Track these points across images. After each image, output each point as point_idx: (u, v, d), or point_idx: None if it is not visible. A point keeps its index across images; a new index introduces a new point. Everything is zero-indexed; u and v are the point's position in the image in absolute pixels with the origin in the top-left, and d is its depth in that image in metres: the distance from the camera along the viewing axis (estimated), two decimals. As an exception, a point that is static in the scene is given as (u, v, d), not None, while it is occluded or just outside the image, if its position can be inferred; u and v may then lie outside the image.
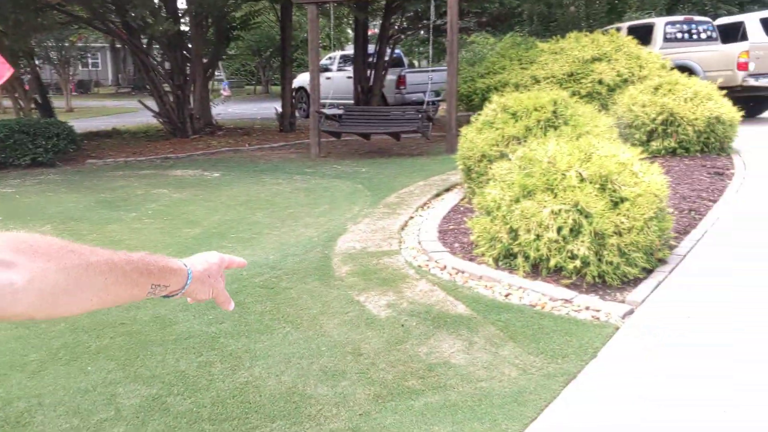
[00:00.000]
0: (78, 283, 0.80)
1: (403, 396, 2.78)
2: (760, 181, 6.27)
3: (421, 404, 2.71)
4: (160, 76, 12.69)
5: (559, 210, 3.97)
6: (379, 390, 2.84)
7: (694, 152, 7.46)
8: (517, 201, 4.20)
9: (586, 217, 3.95)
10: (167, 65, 12.86)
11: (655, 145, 7.50)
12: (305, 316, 3.66)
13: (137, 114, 17.41)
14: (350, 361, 3.11)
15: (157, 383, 2.97)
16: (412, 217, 5.82)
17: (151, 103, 12.96)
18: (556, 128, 5.94)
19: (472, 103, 10.78)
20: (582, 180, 4.12)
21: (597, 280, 3.94)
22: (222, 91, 28.17)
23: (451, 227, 5.33)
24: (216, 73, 28.43)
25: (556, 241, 3.94)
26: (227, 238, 5.40)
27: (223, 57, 20.47)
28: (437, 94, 13.89)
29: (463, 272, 4.21)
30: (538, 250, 3.99)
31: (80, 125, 14.93)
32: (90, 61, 43.45)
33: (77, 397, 2.87)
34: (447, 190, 6.88)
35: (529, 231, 4.02)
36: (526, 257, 4.08)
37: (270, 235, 5.46)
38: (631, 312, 3.54)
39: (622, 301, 3.68)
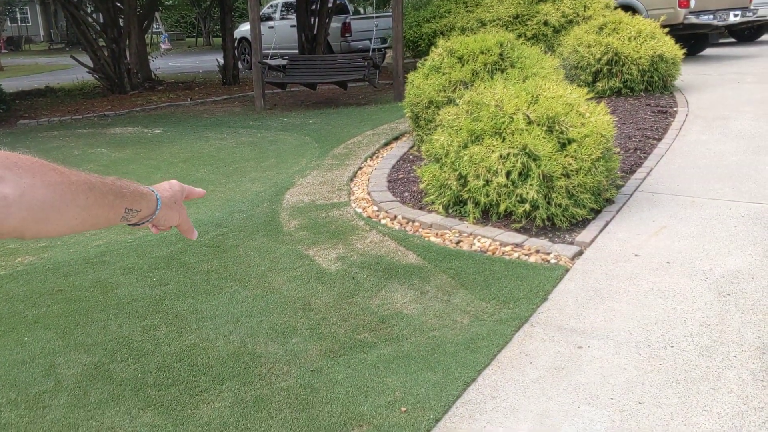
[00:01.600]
0: (63, 199, 0.81)
1: (355, 350, 2.74)
2: (702, 118, 6.36)
3: (373, 357, 2.67)
4: (92, 29, 12.05)
5: (508, 154, 3.93)
6: (330, 345, 2.79)
7: (639, 91, 7.50)
8: (466, 147, 4.14)
9: (535, 160, 3.92)
10: (101, 18, 12.20)
11: (600, 85, 7.52)
12: (253, 273, 3.57)
13: (72, 71, 16.59)
14: (301, 317, 3.05)
15: (98, 350, 2.85)
16: (360, 168, 5.72)
17: (86, 59, 12.35)
18: (503, 71, 5.86)
19: (418, 48, 10.59)
20: (529, 123, 4.08)
21: (546, 223, 3.95)
22: (161, 45, 27.11)
23: (401, 176, 5.25)
24: (154, 26, 27.26)
25: (506, 186, 3.91)
26: (170, 197, 5.20)
27: (160, 8, 19.60)
28: (383, 40, 13.64)
29: (413, 221, 4.16)
30: (487, 196, 3.95)
31: (11, 84, 14.18)
32: (19, 16, 41.19)
33: (14, 369, 2.74)
34: (396, 138, 6.78)
35: (478, 177, 3.97)
36: (476, 203, 4.05)
37: (215, 191, 5.29)
38: (580, 253, 3.56)
39: (571, 243, 3.70)
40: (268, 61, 9.79)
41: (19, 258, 4.03)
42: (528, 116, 4.08)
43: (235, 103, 10.59)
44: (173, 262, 3.78)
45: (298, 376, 2.57)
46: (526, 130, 4.00)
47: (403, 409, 2.32)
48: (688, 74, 8.75)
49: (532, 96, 4.25)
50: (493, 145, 4.00)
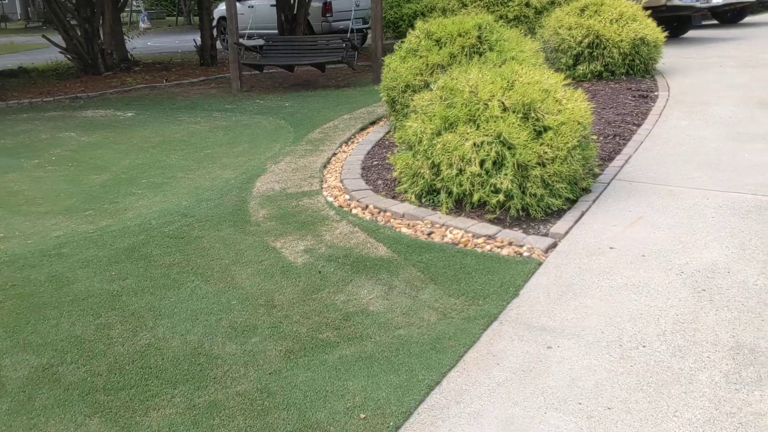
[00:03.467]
0: None
1: (316, 350, 2.62)
2: (682, 103, 6.27)
3: (335, 358, 2.56)
4: (64, 8, 11.70)
5: (482, 142, 3.80)
6: (291, 345, 2.67)
7: (620, 75, 7.39)
8: (439, 134, 4.01)
9: (509, 148, 3.80)
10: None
11: (581, 69, 7.40)
12: (216, 267, 3.43)
13: (48, 50, 16.16)
14: (262, 314, 2.92)
15: (48, 351, 2.72)
16: (335, 154, 5.58)
17: (59, 39, 12.01)
18: (481, 54, 5.73)
19: (399, 29, 10.39)
20: (504, 109, 3.95)
21: (521, 213, 3.84)
22: (141, 24, 26.57)
23: (375, 163, 5.12)
24: (134, 4, 26.69)
25: (479, 175, 3.79)
26: (137, 184, 5.04)
27: (137, -14, 19.13)
28: (364, 20, 13.41)
29: (384, 211, 4.04)
30: (460, 186, 3.83)
31: (-19, 64, 13.79)
32: (-6, -7, 40.30)
33: (-43, 373, 2.60)
34: (373, 123, 6.63)
35: (451, 165, 3.85)
36: (449, 193, 3.93)
37: (184, 179, 5.13)
38: (554, 245, 3.45)
39: (545, 235, 3.59)
40: (244, 42, 9.56)
41: (-27, 250, 3.86)
42: (503, 103, 3.95)
43: (211, 85, 10.35)
44: (134, 255, 3.64)
45: (255, 380, 2.45)
46: (501, 117, 3.87)
47: (362, 415, 2.21)
48: (671, 57, 8.65)
49: (508, 82, 4.12)
50: (467, 133, 3.87)
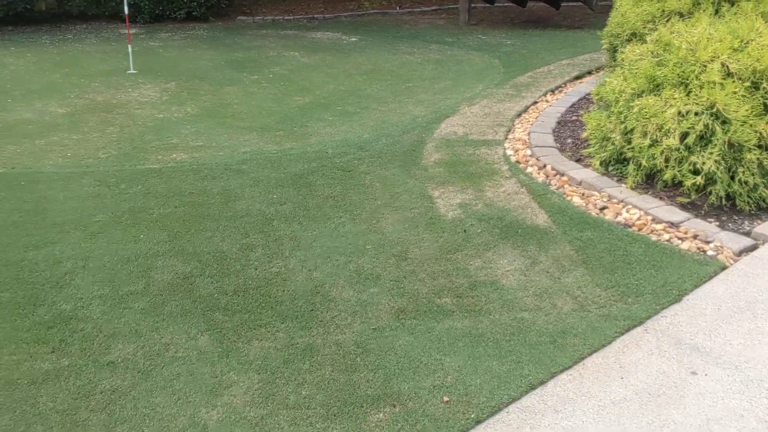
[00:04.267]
0: None
1: (428, 315, 2.47)
2: None
3: (443, 328, 2.39)
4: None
5: (688, 111, 3.21)
6: (405, 304, 2.54)
7: None
8: (640, 95, 3.47)
9: (723, 123, 3.17)
10: None
11: None
12: (368, 207, 3.39)
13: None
14: (391, 265, 2.82)
15: (193, 261, 2.91)
16: (536, 103, 5.17)
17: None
18: (733, 3, 4.82)
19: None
20: (728, 75, 3.28)
21: (724, 202, 3.22)
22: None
23: (573, 118, 4.64)
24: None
25: (677, 150, 3.23)
26: (331, 111, 5.16)
27: None
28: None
29: (561, 175, 3.65)
30: (652, 159, 3.30)
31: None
32: None
33: (118, 265, 2.89)
34: (590, 72, 6.03)
35: (645, 135, 3.33)
36: (638, 166, 3.42)
37: (376, 110, 5.13)
38: (752, 248, 2.85)
39: (746, 234, 2.98)
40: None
41: (174, 154, 4.26)
42: (727, 66, 3.28)
43: (442, 15, 10.21)
44: (300, 181, 3.73)
45: (357, 332, 2.39)
46: (721, 83, 3.22)
47: (445, 398, 2.04)
48: None
49: (741, 41, 3.40)
50: (673, 98, 3.30)
